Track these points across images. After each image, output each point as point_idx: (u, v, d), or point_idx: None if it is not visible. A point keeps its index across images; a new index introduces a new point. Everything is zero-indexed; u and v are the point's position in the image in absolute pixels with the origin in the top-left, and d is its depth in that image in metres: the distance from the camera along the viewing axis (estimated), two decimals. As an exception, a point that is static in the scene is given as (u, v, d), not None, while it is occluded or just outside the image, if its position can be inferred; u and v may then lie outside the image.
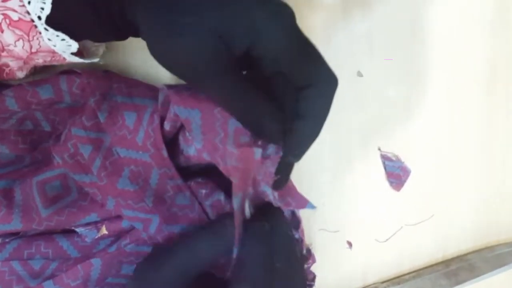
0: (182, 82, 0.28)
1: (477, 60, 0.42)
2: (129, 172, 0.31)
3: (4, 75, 0.31)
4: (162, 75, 0.35)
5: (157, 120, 0.30)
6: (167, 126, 0.30)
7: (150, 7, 0.25)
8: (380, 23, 0.39)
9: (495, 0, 0.41)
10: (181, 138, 0.31)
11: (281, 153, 0.28)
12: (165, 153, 0.31)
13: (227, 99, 0.27)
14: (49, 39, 0.25)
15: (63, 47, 0.26)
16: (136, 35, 0.29)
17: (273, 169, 0.28)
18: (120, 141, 0.31)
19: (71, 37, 0.26)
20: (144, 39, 0.27)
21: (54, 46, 0.25)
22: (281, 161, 0.28)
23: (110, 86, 0.32)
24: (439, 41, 0.40)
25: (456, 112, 0.42)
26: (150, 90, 0.33)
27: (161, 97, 0.31)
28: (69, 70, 0.33)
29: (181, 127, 0.31)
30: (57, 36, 0.25)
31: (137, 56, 0.35)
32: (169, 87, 0.30)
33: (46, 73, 0.34)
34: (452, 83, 0.41)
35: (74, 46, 0.26)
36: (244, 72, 0.29)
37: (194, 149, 0.30)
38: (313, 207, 0.31)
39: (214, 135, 0.28)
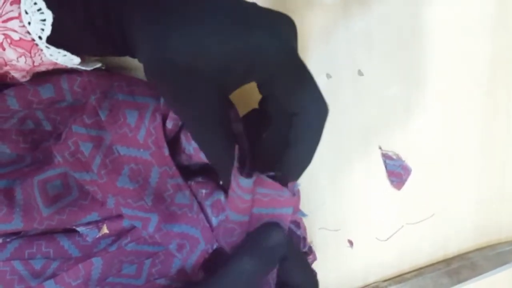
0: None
1: (477, 59, 0.41)
2: (129, 170, 0.31)
3: (8, 80, 0.31)
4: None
5: (159, 119, 0.30)
6: (169, 124, 0.30)
7: (150, 34, 0.25)
8: (380, 22, 0.39)
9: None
10: (182, 136, 0.31)
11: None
12: (166, 151, 0.31)
13: (198, 134, 0.27)
14: (51, 55, 0.25)
15: (65, 61, 0.26)
16: (133, 55, 0.29)
17: None
18: (120, 139, 0.31)
19: (73, 53, 0.26)
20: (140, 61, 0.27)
21: (57, 60, 0.26)
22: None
23: (111, 84, 0.32)
24: (439, 41, 0.40)
25: (456, 111, 0.42)
26: (151, 88, 0.33)
27: None
28: (70, 69, 0.33)
29: (182, 125, 0.31)
30: (59, 52, 0.25)
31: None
32: None
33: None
34: (452, 81, 0.41)
35: (77, 60, 0.26)
36: None
37: (195, 147, 0.30)
38: (304, 215, 0.31)
39: None
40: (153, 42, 0.25)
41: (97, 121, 0.31)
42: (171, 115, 0.30)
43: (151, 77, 0.26)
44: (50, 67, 0.28)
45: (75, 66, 0.27)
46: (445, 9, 0.40)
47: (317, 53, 0.39)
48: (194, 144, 0.30)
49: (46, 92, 0.31)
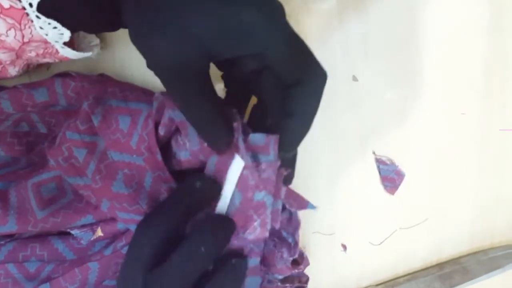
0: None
1: (473, 63, 0.41)
2: (123, 176, 0.31)
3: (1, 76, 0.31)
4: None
5: (151, 125, 0.30)
6: (161, 131, 0.30)
7: (136, 4, 0.25)
8: (376, 27, 0.39)
9: (492, 3, 0.41)
10: (173, 142, 0.31)
11: (278, 162, 0.28)
12: (159, 157, 0.31)
13: (186, 105, 0.27)
14: (41, 27, 0.25)
15: (55, 36, 0.25)
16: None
17: (273, 176, 0.28)
18: (114, 145, 0.31)
19: (63, 25, 0.25)
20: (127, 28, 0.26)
21: (46, 35, 0.25)
22: (281, 157, 0.28)
23: (105, 90, 0.32)
24: (435, 45, 0.40)
25: (451, 116, 0.42)
26: (145, 94, 0.33)
27: (155, 104, 0.31)
28: (64, 73, 0.33)
29: (174, 132, 0.31)
30: (49, 24, 0.25)
31: (133, 57, 0.36)
32: (164, 93, 0.30)
33: (39, 72, 0.34)
34: (447, 87, 0.41)
35: (66, 34, 0.26)
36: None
37: (185, 153, 0.30)
38: (313, 207, 0.31)
39: None
40: (138, 26, 0.25)
41: (91, 126, 0.31)
42: (163, 122, 0.30)
43: (135, 39, 0.26)
44: (40, 51, 0.27)
45: (64, 52, 0.27)
46: (440, 14, 0.40)
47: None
48: (184, 151, 0.31)
49: (40, 95, 0.31)
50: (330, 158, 0.41)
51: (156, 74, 0.26)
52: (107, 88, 0.32)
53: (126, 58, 0.36)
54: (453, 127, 0.42)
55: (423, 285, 0.42)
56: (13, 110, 0.31)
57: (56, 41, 0.26)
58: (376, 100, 0.40)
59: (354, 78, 0.40)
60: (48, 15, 0.25)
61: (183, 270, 0.25)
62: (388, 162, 0.41)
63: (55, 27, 0.25)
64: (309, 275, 0.38)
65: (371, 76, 0.40)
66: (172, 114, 0.29)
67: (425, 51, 0.40)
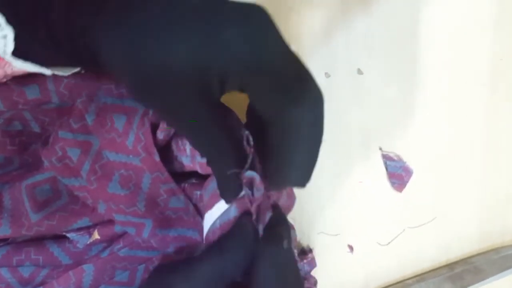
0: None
1: (479, 59, 0.41)
2: (119, 176, 0.30)
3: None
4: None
5: (147, 124, 0.29)
6: (160, 135, 0.29)
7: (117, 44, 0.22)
8: (380, 21, 0.39)
9: (499, -2, 0.40)
10: (174, 145, 0.30)
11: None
12: (157, 157, 0.30)
13: (191, 136, 0.25)
14: (21, 66, 0.24)
15: (37, 70, 0.25)
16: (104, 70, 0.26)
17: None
18: (109, 145, 0.30)
19: (42, 65, 0.25)
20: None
21: (28, 69, 0.25)
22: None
23: (99, 87, 0.31)
24: (440, 40, 0.40)
25: (459, 111, 0.41)
26: None
27: None
28: None
29: (173, 135, 0.30)
30: (27, 65, 0.24)
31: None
32: None
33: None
34: (454, 81, 0.41)
35: (47, 72, 0.25)
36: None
37: (186, 159, 0.29)
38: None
39: None
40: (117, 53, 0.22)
41: (84, 125, 0.31)
42: (161, 126, 0.29)
43: (131, 91, 0.24)
44: (27, 72, 0.27)
45: (50, 73, 0.26)
46: (446, 7, 0.39)
47: (315, 52, 0.38)
48: (185, 156, 0.30)
49: (31, 92, 0.30)
50: (334, 155, 0.40)
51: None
52: (102, 85, 0.31)
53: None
54: (461, 121, 0.42)
55: (432, 286, 0.41)
56: (4, 107, 0.30)
57: (40, 72, 0.25)
58: (382, 94, 0.40)
59: (359, 72, 0.39)
60: (24, 59, 0.24)
61: None
62: (395, 158, 0.40)
63: (34, 66, 0.25)
64: (315, 277, 0.38)
65: (376, 70, 0.39)
66: None
67: (430, 45, 0.40)
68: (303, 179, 0.25)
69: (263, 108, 0.23)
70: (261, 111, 0.23)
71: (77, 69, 0.29)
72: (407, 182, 0.41)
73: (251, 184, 0.25)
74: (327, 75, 0.38)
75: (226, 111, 0.27)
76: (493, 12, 0.40)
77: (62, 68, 0.27)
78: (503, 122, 0.42)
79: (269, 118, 0.23)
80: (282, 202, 0.29)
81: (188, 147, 0.29)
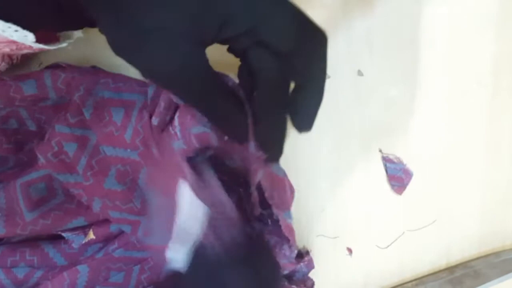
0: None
1: (481, 58, 0.41)
2: (116, 172, 0.30)
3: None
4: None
5: (146, 116, 0.29)
6: (155, 121, 0.29)
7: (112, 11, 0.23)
8: (381, 22, 0.38)
9: (500, -1, 0.40)
10: (165, 135, 0.30)
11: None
12: (155, 150, 0.29)
13: (196, 103, 0.25)
14: (2, 30, 0.24)
15: (20, 37, 0.25)
16: (92, 26, 0.26)
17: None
18: (106, 139, 0.30)
19: (24, 27, 0.24)
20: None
21: (11, 36, 0.24)
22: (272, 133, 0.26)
23: (97, 81, 0.30)
24: (442, 41, 0.40)
25: (460, 112, 0.41)
26: (139, 85, 0.31)
27: (150, 91, 0.29)
28: (54, 65, 0.32)
29: (168, 124, 0.30)
30: (9, 27, 0.24)
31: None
32: None
33: (26, 66, 0.33)
34: (455, 82, 0.40)
35: (30, 36, 0.25)
36: None
37: (178, 144, 0.29)
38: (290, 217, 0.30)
39: None
40: (120, 39, 0.23)
41: (81, 120, 0.30)
42: (158, 110, 0.29)
43: (120, 53, 0.24)
44: (13, 47, 0.26)
45: (36, 46, 0.26)
46: (448, 8, 0.39)
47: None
48: (177, 141, 0.29)
49: (28, 88, 0.30)
50: (334, 156, 0.40)
51: (155, 82, 0.25)
52: (100, 79, 0.30)
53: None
54: (462, 124, 0.41)
55: (432, 290, 0.41)
56: (0, 103, 0.29)
57: (24, 41, 0.25)
58: (383, 95, 0.39)
59: (359, 73, 0.38)
60: (6, 19, 0.24)
61: None
62: (395, 161, 0.40)
63: (16, 30, 0.24)
64: (313, 280, 0.37)
65: (377, 71, 0.39)
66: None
67: (431, 46, 0.40)
68: (311, 122, 0.26)
69: (282, 43, 0.24)
70: (279, 47, 0.24)
71: (64, 44, 0.28)
72: (407, 184, 0.40)
73: None
74: (327, 76, 0.38)
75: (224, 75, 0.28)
76: (496, 11, 0.40)
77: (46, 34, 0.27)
78: (504, 124, 0.42)
79: (292, 48, 0.24)
80: (278, 196, 0.29)
81: (178, 129, 0.29)
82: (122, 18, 0.23)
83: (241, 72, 0.27)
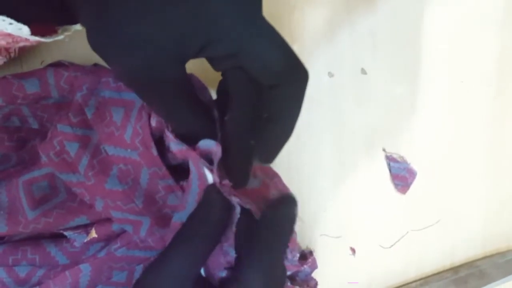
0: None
1: (484, 57, 0.41)
2: (117, 171, 0.30)
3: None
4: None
5: (145, 117, 0.29)
6: (153, 121, 0.29)
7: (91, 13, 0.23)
8: (385, 20, 0.38)
9: (505, -3, 0.40)
10: (164, 135, 0.30)
11: None
12: (154, 151, 0.29)
13: (165, 114, 0.26)
14: None
15: (15, 30, 0.24)
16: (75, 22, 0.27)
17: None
18: (108, 138, 0.30)
19: (18, 20, 0.24)
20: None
21: (6, 29, 0.24)
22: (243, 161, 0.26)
23: (99, 80, 0.30)
24: (446, 39, 0.40)
25: (464, 111, 0.41)
26: None
27: None
28: (56, 63, 0.31)
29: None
30: (4, 20, 0.24)
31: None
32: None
33: (33, 66, 0.33)
34: (459, 81, 0.40)
35: (25, 29, 0.25)
36: None
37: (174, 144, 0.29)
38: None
39: None
40: (94, 13, 0.23)
41: (83, 119, 0.30)
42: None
43: (97, 51, 0.24)
44: (9, 40, 0.26)
45: (32, 38, 0.26)
46: (452, 6, 0.39)
47: (319, 51, 0.38)
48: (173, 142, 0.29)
49: (31, 86, 0.30)
50: (337, 156, 0.40)
51: (127, 85, 0.25)
52: (101, 78, 0.30)
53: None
54: (466, 123, 0.41)
55: (436, 290, 0.41)
56: (3, 101, 0.30)
57: (19, 34, 0.25)
58: (386, 94, 0.39)
59: (363, 71, 0.38)
60: (0, 12, 0.24)
61: None
62: (399, 160, 0.40)
63: (11, 23, 0.24)
64: (316, 280, 0.37)
65: (380, 70, 0.39)
66: None
67: (435, 45, 0.40)
68: (274, 155, 0.27)
69: (263, 74, 0.24)
70: (259, 76, 0.25)
71: (61, 37, 0.28)
72: (411, 184, 0.40)
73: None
74: (330, 74, 0.38)
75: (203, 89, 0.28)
76: (501, 10, 0.40)
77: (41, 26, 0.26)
78: (509, 123, 0.42)
79: (271, 80, 0.25)
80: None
81: None
82: (108, 21, 0.23)
83: (219, 88, 0.27)
